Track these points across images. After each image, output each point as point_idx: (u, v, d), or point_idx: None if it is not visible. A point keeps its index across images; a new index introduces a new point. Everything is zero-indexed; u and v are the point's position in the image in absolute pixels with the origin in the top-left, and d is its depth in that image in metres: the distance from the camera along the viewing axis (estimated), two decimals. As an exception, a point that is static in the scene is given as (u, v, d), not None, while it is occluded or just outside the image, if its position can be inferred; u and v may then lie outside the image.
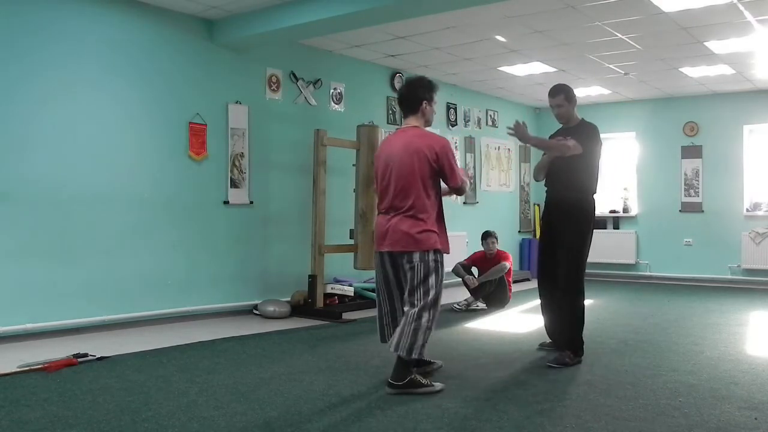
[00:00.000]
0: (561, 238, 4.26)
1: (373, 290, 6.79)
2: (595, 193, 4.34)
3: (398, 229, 3.54)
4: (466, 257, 7.22)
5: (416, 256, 3.52)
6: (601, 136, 4.39)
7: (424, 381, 3.55)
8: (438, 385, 3.57)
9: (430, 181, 3.58)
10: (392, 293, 3.69)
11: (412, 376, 3.51)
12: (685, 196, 9.51)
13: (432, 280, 3.53)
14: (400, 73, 8.02)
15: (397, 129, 3.88)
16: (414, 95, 3.71)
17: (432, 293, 3.51)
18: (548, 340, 4.64)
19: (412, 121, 3.73)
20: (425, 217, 3.55)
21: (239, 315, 6.18)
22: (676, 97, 9.56)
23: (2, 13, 4.77)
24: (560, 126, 4.51)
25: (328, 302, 6.44)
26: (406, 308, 3.56)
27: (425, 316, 3.48)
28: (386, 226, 3.61)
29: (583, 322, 4.28)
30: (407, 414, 3.14)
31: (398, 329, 3.51)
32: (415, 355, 3.47)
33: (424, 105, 3.72)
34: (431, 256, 3.54)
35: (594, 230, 4.34)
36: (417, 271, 3.52)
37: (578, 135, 4.25)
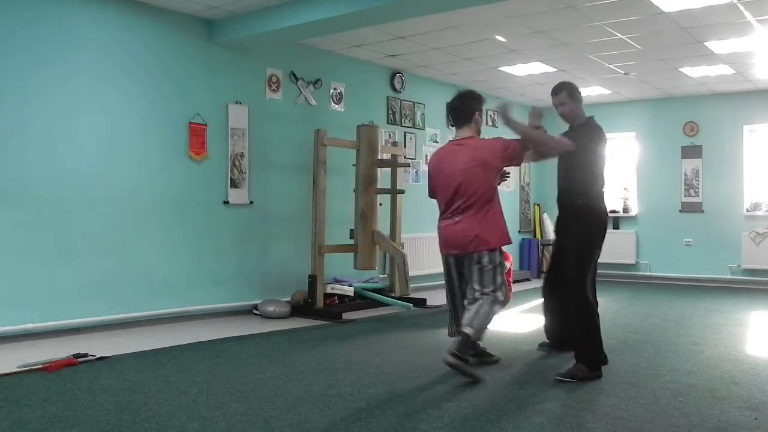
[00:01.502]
0: (566, 243, 4.13)
1: (372, 290, 6.83)
2: (600, 195, 4.09)
3: (469, 233, 3.88)
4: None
5: (485, 257, 3.88)
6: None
7: (472, 369, 3.79)
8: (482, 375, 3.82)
9: (494, 190, 3.99)
10: (458, 292, 4.07)
11: (470, 358, 3.85)
12: (685, 196, 9.51)
13: (500, 277, 3.95)
14: (400, 73, 8.02)
15: (451, 141, 4.17)
16: (468, 107, 4.06)
17: (502, 290, 3.94)
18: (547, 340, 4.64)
19: (466, 132, 4.08)
20: (494, 221, 3.95)
21: (239, 315, 6.18)
22: (676, 97, 9.56)
23: (1, 13, 4.77)
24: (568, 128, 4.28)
25: (328, 302, 6.43)
26: (477, 296, 3.86)
27: (495, 308, 3.88)
28: (453, 230, 3.95)
29: (589, 333, 3.90)
30: (407, 414, 3.14)
31: (473, 310, 3.80)
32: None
33: (476, 115, 4.08)
34: (498, 254, 3.94)
35: (602, 235, 4.06)
36: (486, 269, 3.88)
37: (577, 134, 4.07)
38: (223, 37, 6.02)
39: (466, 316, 3.81)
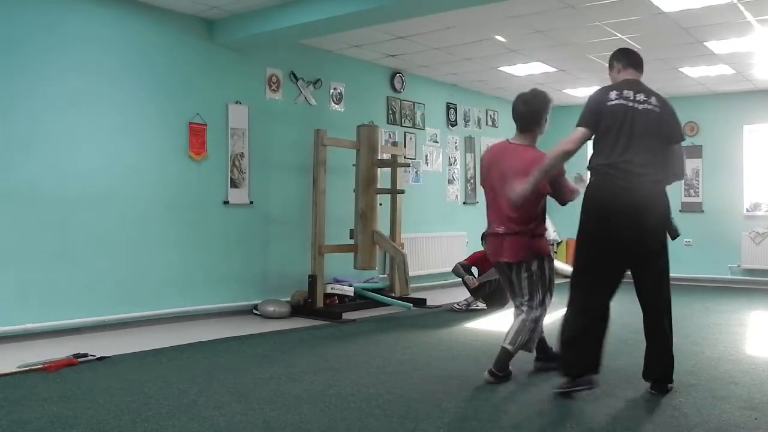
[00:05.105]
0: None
1: (372, 290, 6.83)
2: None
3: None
4: (466, 257, 7.22)
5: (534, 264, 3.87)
6: None
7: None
8: None
9: None
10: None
11: (510, 369, 3.81)
12: (685, 196, 9.51)
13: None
14: (400, 73, 8.02)
15: (508, 140, 4.12)
16: (538, 114, 4.02)
17: (549, 299, 3.95)
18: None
19: (527, 139, 4.04)
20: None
21: (239, 315, 6.18)
22: (676, 97, 9.50)
23: (2, 14, 4.77)
24: None
25: (328, 302, 6.43)
26: (525, 308, 3.85)
27: (541, 320, 3.88)
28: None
29: (561, 337, 3.54)
30: (407, 414, 3.14)
31: (516, 327, 3.81)
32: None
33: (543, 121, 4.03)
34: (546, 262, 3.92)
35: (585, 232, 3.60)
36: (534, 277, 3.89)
37: None
38: (223, 37, 6.01)
39: (510, 335, 3.82)
